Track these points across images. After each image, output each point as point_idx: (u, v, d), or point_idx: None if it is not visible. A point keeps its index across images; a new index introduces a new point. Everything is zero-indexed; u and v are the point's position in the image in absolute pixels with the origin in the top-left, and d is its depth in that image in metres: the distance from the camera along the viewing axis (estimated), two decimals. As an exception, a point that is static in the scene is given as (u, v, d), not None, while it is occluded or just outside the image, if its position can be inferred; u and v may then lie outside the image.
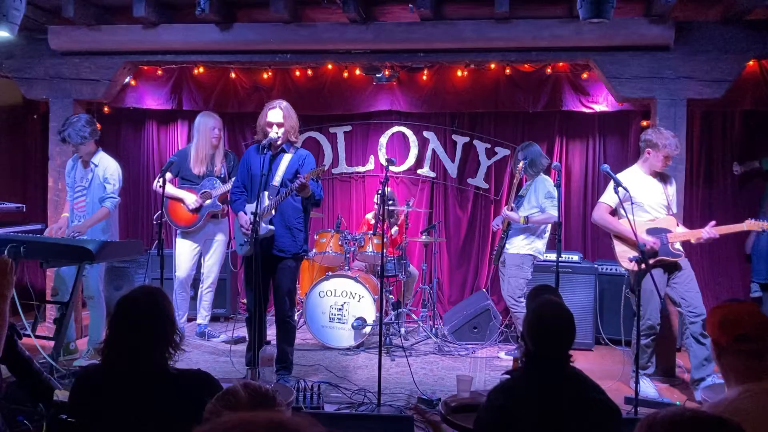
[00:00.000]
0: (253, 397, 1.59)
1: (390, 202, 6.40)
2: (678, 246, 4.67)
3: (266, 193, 4.58)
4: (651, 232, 4.66)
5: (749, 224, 4.52)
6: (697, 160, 6.50)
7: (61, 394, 3.10)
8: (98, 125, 5.36)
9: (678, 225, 4.77)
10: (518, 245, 5.40)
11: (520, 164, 5.34)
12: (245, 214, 4.68)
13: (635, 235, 4.27)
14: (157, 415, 2.24)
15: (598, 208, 4.88)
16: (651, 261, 4.46)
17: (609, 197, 4.78)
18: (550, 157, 6.75)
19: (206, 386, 2.37)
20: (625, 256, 4.70)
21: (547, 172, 5.59)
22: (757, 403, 1.92)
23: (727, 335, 2.08)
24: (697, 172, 6.49)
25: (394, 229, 6.46)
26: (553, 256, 5.76)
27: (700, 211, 6.50)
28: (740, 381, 2.05)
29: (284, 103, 4.71)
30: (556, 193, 4.90)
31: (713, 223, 4.66)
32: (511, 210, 5.35)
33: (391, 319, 5.96)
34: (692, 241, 4.69)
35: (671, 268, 4.70)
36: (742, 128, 6.48)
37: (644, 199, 4.73)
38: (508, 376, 2.64)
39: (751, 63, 5.65)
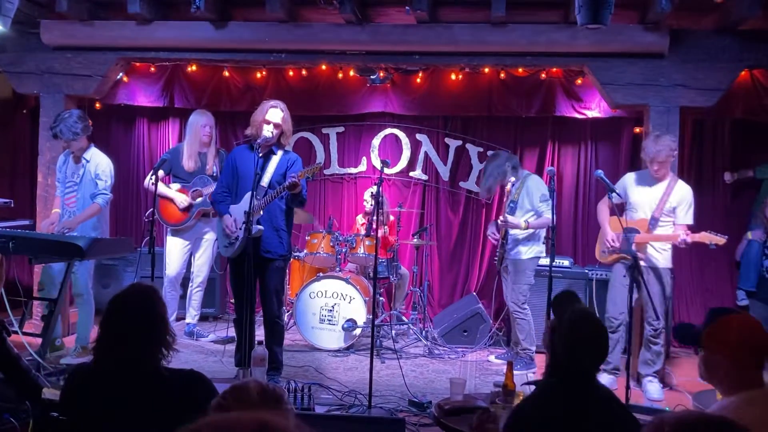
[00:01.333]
0: (262, 394, 1.58)
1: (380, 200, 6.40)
2: (650, 250, 4.86)
3: (254, 193, 4.55)
4: (626, 230, 4.80)
5: (702, 236, 4.68)
6: (688, 168, 6.53)
7: (49, 392, 3.07)
8: (90, 121, 5.31)
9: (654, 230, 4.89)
10: (521, 251, 5.38)
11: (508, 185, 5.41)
12: (230, 216, 4.65)
13: (606, 230, 4.91)
14: (149, 414, 2.22)
15: (602, 201, 5.17)
16: (613, 256, 4.93)
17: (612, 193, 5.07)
18: (542, 163, 6.82)
19: (199, 386, 2.34)
20: (599, 248, 5.10)
21: (540, 175, 5.61)
22: (757, 409, 1.97)
23: (750, 351, 2.10)
24: (687, 179, 6.50)
25: (384, 229, 6.44)
26: (545, 261, 5.81)
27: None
28: (736, 390, 2.09)
29: (284, 106, 4.70)
30: (548, 196, 4.97)
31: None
32: (504, 219, 5.30)
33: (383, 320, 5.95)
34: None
35: (639, 272, 4.80)
36: (732, 137, 6.53)
37: (635, 200, 4.95)
38: (531, 386, 2.58)
39: (742, 73, 5.70)
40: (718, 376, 2.13)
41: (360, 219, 6.80)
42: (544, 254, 5.49)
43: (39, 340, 4.52)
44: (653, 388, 4.83)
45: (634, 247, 4.75)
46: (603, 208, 5.12)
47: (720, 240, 4.64)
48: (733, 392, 2.09)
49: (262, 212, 4.58)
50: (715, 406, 2.14)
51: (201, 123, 5.70)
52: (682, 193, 4.88)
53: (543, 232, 5.45)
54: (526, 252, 5.37)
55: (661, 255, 4.88)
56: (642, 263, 4.72)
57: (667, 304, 5.05)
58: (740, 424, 1.21)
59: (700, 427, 1.21)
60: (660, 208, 4.82)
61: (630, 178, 5.08)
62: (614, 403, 2.33)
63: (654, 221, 4.83)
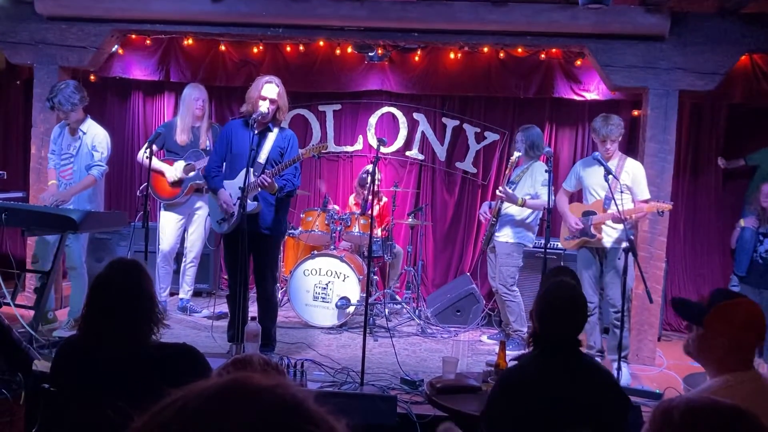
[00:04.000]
0: (264, 366, 1.58)
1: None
2: (609, 227, 4.88)
3: (251, 170, 4.52)
4: (585, 214, 4.92)
5: (649, 206, 4.74)
6: (685, 152, 6.52)
7: (41, 364, 3.06)
8: (86, 92, 5.25)
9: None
10: (508, 234, 5.36)
11: (517, 153, 5.33)
12: (225, 190, 4.62)
13: (568, 216, 5.02)
14: (137, 388, 2.21)
15: (560, 192, 5.23)
16: (576, 241, 4.97)
17: (567, 183, 5.23)
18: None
19: (189, 359, 2.33)
20: (562, 235, 5.16)
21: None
22: (745, 390, 2.00)
23: (753, 334, 2.13)
24: (684, 163, 6.52)
25: (376, 209, 6.41)
26: (538, 242, 5.80)
27: (685, 202, 6.55)
28: (728, 370, 2.10)
29: (279, 81, 4.65)
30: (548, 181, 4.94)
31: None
32: (504, 190, 5.23)
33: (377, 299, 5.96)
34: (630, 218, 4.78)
35: (602, 254, 4.97)
36: (731, 122, 6.51)
37: (588, 183, 5.02)
38: (515, 362, 2.62)
39: (742, 57, 5.66)
40: (713, 355, 2.14)
41: (352, 200, 6.77)
42: (533, 241, 5.48)
43: (31, 313, 4.51)
44: (623, 372, 4.83)
45: (593, 230, 4.84)
46: (562, 197, 5.19)
47: (666, 206, 4.70)
48: (722, 372, 2.10)
49: (259, 189, 4.56)
50: (705, 385, 2.15)
51: (194, 96, 5.65)
52: (634, 170, 4.92)
53: (537, 221, 5.42)
54: (513, 236, 5.35)
55: (617, 233, 4.87)
56: (597, 245, 4.89)
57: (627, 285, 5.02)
58: (750, 412, 1.20)
59: (711, 413, 1.20)
60: (614, 185, 4.78)
61: (579, 164, 5.20)
62: (600, 373, 2.38)
63: (608, 201, 4.81)
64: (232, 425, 0.74)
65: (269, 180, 4.41)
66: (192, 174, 5.66)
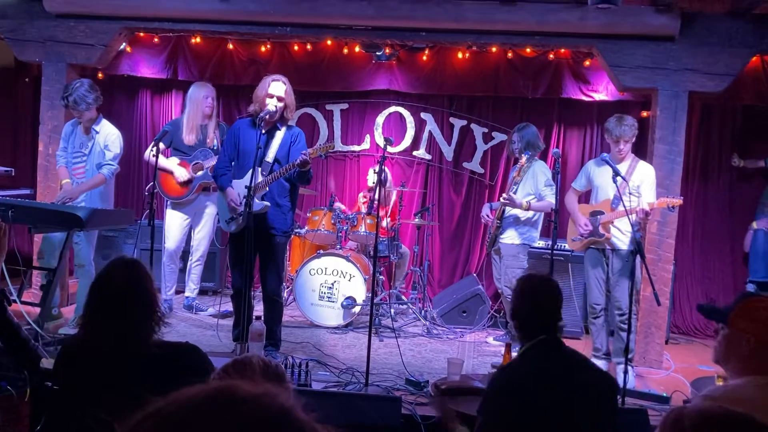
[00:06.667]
0: (265, 369, 1.57)
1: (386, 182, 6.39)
2: (616, 228, 4.84)
3: (259, 169, 4.51)
4: (593, 214, 4.91)
5: (660, 202, 4.72)
6: (695, 154, 6.47)
7: (47, 362, 3.06)
8: (99, 91, 5.24)
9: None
10: (513, 235, 5.33)
11: (521, 156, 5.30)
12: (233, 189, 4.62)
13: (577, 215, 4.98)
14: (140, 386, 2.20)
15: (569, 191, 5.22)
16: (583, 242, 4.94)
17: (577, 182, 5.20)
18: (547, 145, 6.74)
19: (192, 357, 2.32)
20: (569, 236, 5.11)
21: (544, 157, 5.54)
22: (762, 394, 1.97)
23: None
24: (693, 165, 6.47)
25: (382, 213, 6.40)
26: (542, 243, 5.77)
27: (695, 204, 6.49)
28: (753, 372, 2.08)
29: (286, 79, 4.64)
30: (553, 181, 4.91)
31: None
32: (509, 196, 5.22)
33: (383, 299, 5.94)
34: (633, 219, 4.68)
35: (609, 253, 4.91)
36: (741, 123, 6.46)
37: (598, 183, 4.99)
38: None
39: (753, 58, 5.61)
40: (737, 354, 2.10)
41: (362, 197, 6.76)
42: (537, 240, 5.46)
43: (37, 310, 4.52)
44: (630, 376, 4.78)
45: (601, 230, 4.81)
46: (571, 197, 5.17)
47: (676, 201, 4.68)
48: (746, 373, 2.07)
49: (267, 188, 4.55)
50: (717, 389, 2.12)
51: (203, 94, 5.65)
52: (645, 172, 4.89)
53: (541, 219, 5.40)
54: (518, 237, 5.33)
55: (625, 237, 4.83)
56: (607, 245, 4.86)
57: (635, 288, 4.99)
58: (765, 424, 1.18)
59: (723, 422, 1.17)
60: (623, 187, 4.74)
61: (591, 163, 5.17)
62: (584, 360, 2.50)
63: (616, 200, 4.76)
64: None
65: (308, 159, 4.38)
66: (201, 173, 5.65)
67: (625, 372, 4.24)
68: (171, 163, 5.71)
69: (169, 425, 0.74)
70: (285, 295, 5.71)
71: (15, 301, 4.42)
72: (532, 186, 5.27)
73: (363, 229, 5.99)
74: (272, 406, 0.76)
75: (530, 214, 5.29)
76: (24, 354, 2.95)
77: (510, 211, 5.33)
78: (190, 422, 0.74)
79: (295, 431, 0.75)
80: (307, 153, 4.38)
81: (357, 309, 5.70)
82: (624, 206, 4.49)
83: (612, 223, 4.82)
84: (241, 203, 4.50)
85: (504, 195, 5.30)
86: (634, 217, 4.60)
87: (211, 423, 0.73)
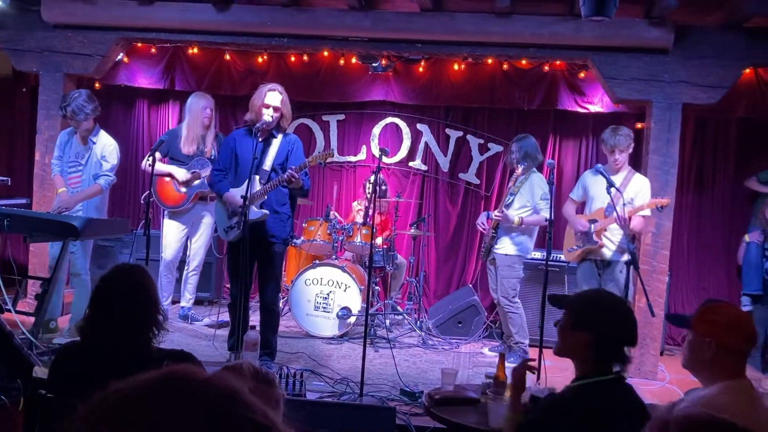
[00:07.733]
0: (255, 375, 1.58)
1: (384, 188, 6.41)
2: (608, 239, 4.90)
3: (257, 177, 4.53)
4: (588, 222, 4.98)
5: (648, 204, 4.77)
6: (689, 166, 6.50)
7: (40, 371, 3.05)
8: (97, 102, 5.25)
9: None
10: (508, 245, 5.34)
11: (518, 166, 5.33)
12: (231, 194, 4.62)
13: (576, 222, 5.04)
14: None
15: (567, 202, 5.32)
16: (579, 251, 5.02)
17: (574, 192, 5.29)
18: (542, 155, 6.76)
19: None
20: (566, 247, 5.19)
21: (540, 169, 5.56)
22: (736, 399, 2.02)
23: (737, 336, 2.13)
24: (688, 177, 6.49)
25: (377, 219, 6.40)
26: (537, 255, 5.78)
27: (689, 216, 6.51)
28: (722, 378, 2.11)
29: (282, 88, 4.66)
30: (549, 195, 4.92)
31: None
32: (501, 212, 5.26)
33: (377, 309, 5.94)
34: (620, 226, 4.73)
35: (603, 265, 4.98)
36: (735, 136, 6.49)
37: (593, 193, 5.06)
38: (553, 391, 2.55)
39: (747, 70, 5.66)
40: (702, 360, 2.14)
41: (356, 205, 6.77)
42: (531, 250, 5.47)
43: (32, 319, 4.51)
44: None
45: (594, 237, 4.87)
46: (569, 206, 5.27)
47: (664, 201, 4.73)
48: (714, 381, 2.11)
49: (265, 196, 4.56)
50: (695, 396, 2.14)
51: (201, 105, 5.66)
52: (640, 184, 4.95)
53: (536, 229, 5.42)
54: (513, 247, 5.33)
55: (617, 239, 4.88)
56: (599, 256, 4.93)
57: (628, 299, 4.97)
58: (746, 428, 1.19)
59: (708, 428, 1.18)
60: (616, 197, 4.72)
61: (587, 174, 5.25)
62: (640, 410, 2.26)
63: (610, 209, 4.78)
64: (165, 416, 0.77)
65: (296, 175, 4.40)
66: (197, 182, 5.66)
67: None
68: (171, 166, 5.70)
69: (125, 405, 0.79)
70: (281, 305, 5.70)
71: (9, 310, 4.41)
72: (529, 198, 5.28)
73: (359, 240, 5.99)
74: (222, 385, 0.82)
75: (524, 227, 5.31)
76: (17, 361, 2.94)
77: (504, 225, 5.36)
78: (143, 401, 0.79)
79: (244, 410, 0.79)
80: (294, 169, 4.39)
81: (352, 319, 5.70)
82: (617, 213, 4.52)
83: (605, 231, 4.84)
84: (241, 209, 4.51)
85: (496, 211, 5.34)
86: (625, 230, 4.64)
87: (162, 401, 0.79)
